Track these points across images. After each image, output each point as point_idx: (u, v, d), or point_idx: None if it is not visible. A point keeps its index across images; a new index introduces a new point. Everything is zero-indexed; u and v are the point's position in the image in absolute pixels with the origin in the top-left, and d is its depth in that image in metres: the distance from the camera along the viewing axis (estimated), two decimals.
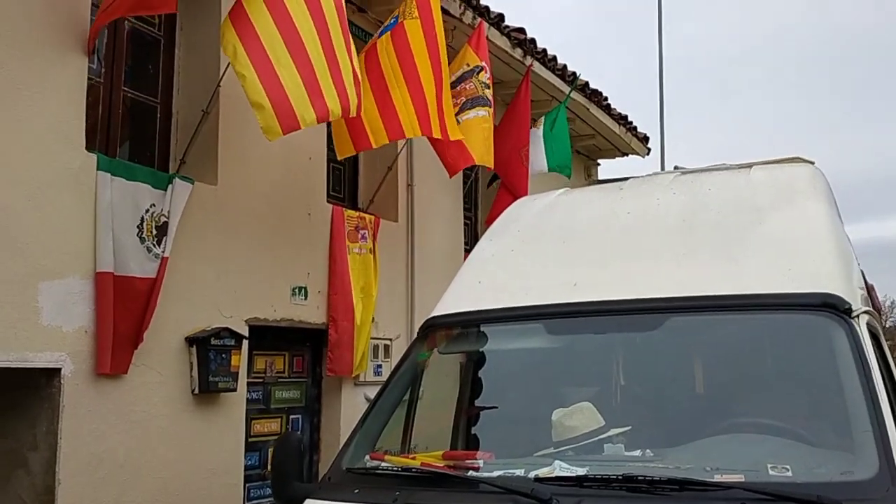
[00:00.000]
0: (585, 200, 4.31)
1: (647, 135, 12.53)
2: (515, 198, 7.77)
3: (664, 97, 13.00)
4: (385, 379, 4.09)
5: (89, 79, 5.10)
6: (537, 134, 9.11)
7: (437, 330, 3.70)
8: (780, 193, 3.71)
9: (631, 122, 11.85)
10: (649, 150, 12.72)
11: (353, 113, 5.51)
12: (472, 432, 3.65)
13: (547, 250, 3.85)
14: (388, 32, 6.56)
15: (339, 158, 6.89)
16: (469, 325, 3.68)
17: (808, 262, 3.20)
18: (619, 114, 11.47)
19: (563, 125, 9.48)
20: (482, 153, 7.36)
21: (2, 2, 4.51)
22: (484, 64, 7.51)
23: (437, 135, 6.69)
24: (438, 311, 3.75)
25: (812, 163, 4.29)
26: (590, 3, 40.71)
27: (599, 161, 12.84)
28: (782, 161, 4.34)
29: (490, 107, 7.54)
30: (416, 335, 3.82)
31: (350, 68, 5.44)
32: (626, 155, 12.62)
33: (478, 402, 3.65)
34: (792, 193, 3.70)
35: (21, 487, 4.69)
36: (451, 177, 7.58)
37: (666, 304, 3.23)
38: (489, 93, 7.54)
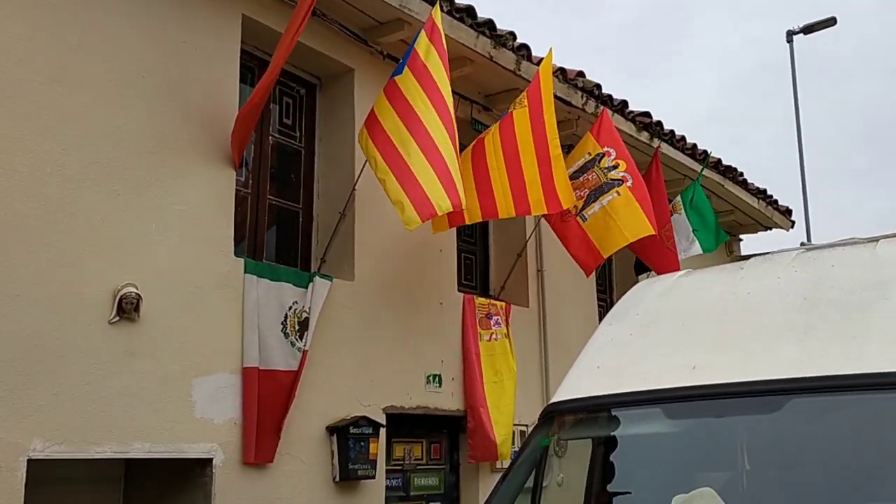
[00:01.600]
0: (705, 282, 4.28)
1: (790, 207, 12.13)
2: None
3: (804, 165, 12.61)
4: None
5: (238, 190, 5.61)
6: (679, 220, 8.99)
7: (558, 416, 3.75)
8: None
9: (771, 196, 11.53)
10: (793, 222, 12.28)
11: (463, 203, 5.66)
12: None
13: (666, 334, 3.85)
14: (498, 122, 6.80)
15: (433, 233, 7.06)
16: (589, 411, 3.71)
17: None
18: (758, 188, 11.20)
19: (703, 200, 9.34)
20: (633, 230, 7.15)
21: (160, 124, 5.10)
22: (606, 149, 7.51)
23: (536, 212, 6.70)
24: (559, 396, 3.81)
25: None
26: (732, 75, 40.12)
27: (741, 236, 12.51)
28: None
29: (624, 183, 7.32)
30: (537, 421, 3.89)
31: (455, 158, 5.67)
32: (769, 229, 12.23)
33: (599, 489, 3.65)
34: None
35: None
36: (587, 276, 7.55)
37: (787, 385, 3.16)
38: (619, 171, 7.37)
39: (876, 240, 4.06)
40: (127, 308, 4.66)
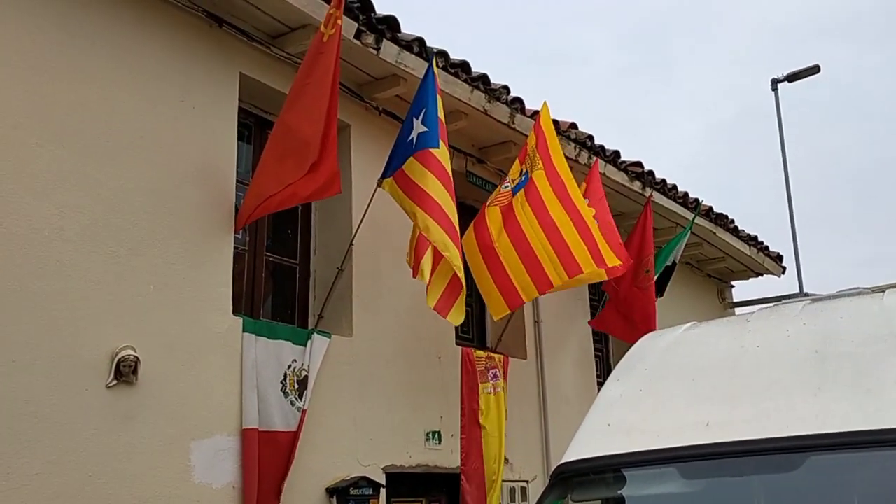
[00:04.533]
0: (713, 335, 4.25)
1: (781, 254, 12.20)
2: (627, 319, 7.65)
3: (794, 211, 12.67)
4: None
5: (235, 248, 5.57)
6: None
7: (569, 476, 3.67)
8: None
9: (762, 243, 11.60)
10: (784, 268, 12.35)
11: None
12: None
13: (676, 389, 3.79)
14: (522, 189, 6.84)
15: (495, 319, 7.13)
16: (601, 471, 3.63)
17: None
18: (748, 235, 11.27)
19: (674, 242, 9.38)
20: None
21: (158, 183, 5.06)
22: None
23: (587, 270, 6.74)
24: (568, 456, 3.73)
25: None
26: (715, 123, 40.68)
27: (733, 283, 12.55)
28: None
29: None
30: (548, 481, 3.80)
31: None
32: (760, 275, 12.29)
33: None
34: None
35: None
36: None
37: (805, 441, 3.11)
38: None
39: (882, 290, 4.04)
40: (125, 371, 4.57)
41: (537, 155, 6.84)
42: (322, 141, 5.05)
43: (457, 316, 5.87)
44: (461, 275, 5.68)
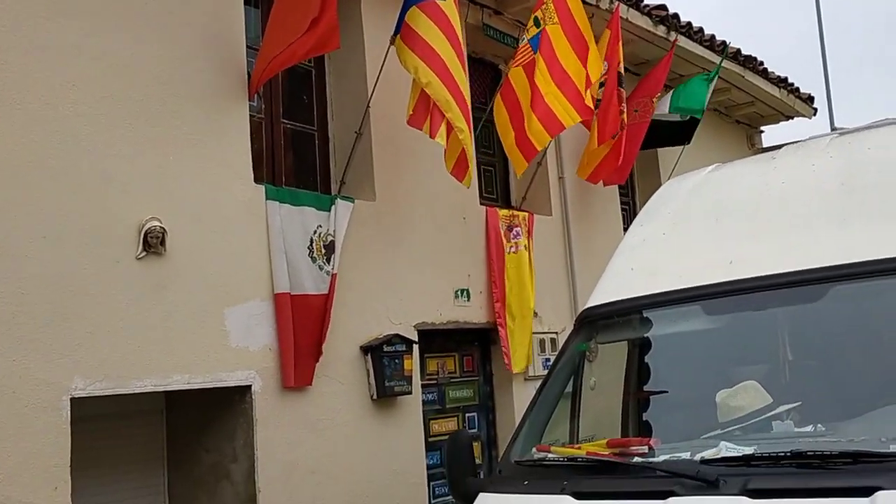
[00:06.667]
0: (737, 175, 4.17)
1: (812, 95, 11.82)
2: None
3: (826, 50, 12.18)
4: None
5: (251, 115, 5.51)
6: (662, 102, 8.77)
7: (594, 320, 3.72)
8: None
9: (792, 84, 11.24)
10: (816, 109, 11.99)
11: None
12: (638, 419, 3.65)
13: (699, 230, 3.77)
14: (538, 49, 6.70)
15: (518, 176, 7.11)
16: (625, 314, 3.67)
17: None
18: (778, 77, 10.92)
19: (701, 84, 8.99)
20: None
21: (168, 52, 4.97)
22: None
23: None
24: (593, 301, 3.77)
25: None
26: None
27: (762, 128, 12.26)
28: None
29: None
30: (573, 326, 3.87)
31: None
32: (791, 118, 11.97)
33: (641, 390, 3.65)
34: None
35: (226, 496, 5.13)
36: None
37: (827, 272, 3.10)
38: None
39: None
40: (153, 242, 4.64)
41: (552, 6, 6.62)
42: None
43: (469, 178, 5.90)
44: (467, 137, 5.60)
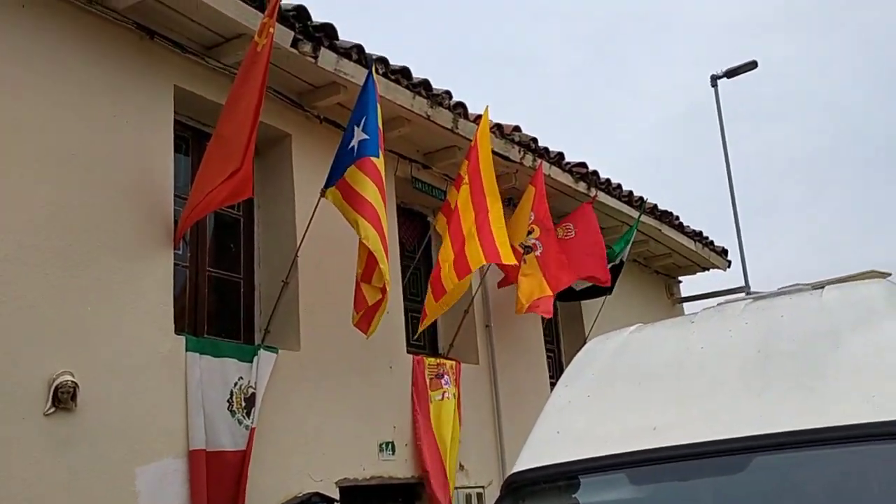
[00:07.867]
0: (658, 337, 4.27)
1: (726, 248, 12.39)
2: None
3: (737, 204, 12.81)
4: None
5: (176, 264, 5.44)
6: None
7: (520, 486, 3.65)
8: (855, 314, 3.61)
9: (707, 238, 11.78)
10: (729, 262, 12.55)
11: None
12: None
13: (623, 393, 3.80)
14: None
15: (420, 328, 7.17)
16: (551, 480, 3.61)
17: (892, 386, 3.08)
18: (693, 230, 11.43)
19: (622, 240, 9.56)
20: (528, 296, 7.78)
21: (94, 201, 4.92)
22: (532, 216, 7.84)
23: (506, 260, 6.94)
24: (519, 465, 3.71)
25: (888, 275, 4.20)
26: (666, 119, 40.94)
27: (680, 279, 12.71)
28: (856, 277, 4.25)
29: (533, 252, 7.95)
30: (500, 492, 3.78)
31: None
32: (707, 269, 12.48)
33: None
34: (868, 313, 3.60)
35: None
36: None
37: (750, 442, 3.13)
38: (532, 238, 7.95)
39: (821, 286, 4.11)
40: (63, 398, 4.43)
41: (466, 169, 6.92)
42: (245, 147, 4.99)
43: (373, 329, 5.95)
44: (388, 287, 5.67)
